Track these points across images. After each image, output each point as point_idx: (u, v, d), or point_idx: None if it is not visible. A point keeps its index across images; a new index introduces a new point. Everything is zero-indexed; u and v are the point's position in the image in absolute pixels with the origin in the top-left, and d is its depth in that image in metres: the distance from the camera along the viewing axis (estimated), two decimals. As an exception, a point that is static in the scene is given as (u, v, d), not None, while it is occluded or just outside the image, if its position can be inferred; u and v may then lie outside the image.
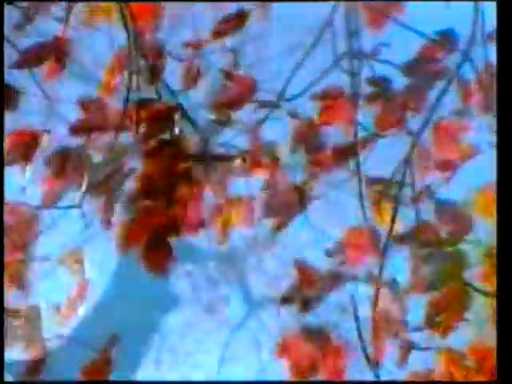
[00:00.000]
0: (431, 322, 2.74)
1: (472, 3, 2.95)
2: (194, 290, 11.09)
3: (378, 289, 2.77)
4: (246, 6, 2.98)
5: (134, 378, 9.89)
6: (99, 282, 9.50)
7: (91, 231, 2.91)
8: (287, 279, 2.94)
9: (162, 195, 2.67)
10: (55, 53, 2.79)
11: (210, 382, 10.87)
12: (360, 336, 2.73)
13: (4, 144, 2.74)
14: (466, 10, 2.95)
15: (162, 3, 2.87)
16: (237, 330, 11.18)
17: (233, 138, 3.07)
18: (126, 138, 2.76)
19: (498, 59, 2.64)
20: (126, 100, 2.76)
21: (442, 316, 2.74)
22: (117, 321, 9.05)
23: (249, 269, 11.15)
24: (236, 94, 2.91)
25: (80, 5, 2.90)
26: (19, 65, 2.78)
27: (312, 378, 2.80)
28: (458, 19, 3.00)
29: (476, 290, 2.75)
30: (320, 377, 2.80)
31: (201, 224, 2.71)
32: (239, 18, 2.96)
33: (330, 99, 2.95)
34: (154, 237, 2.64)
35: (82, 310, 3.02)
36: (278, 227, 2.94)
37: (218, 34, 2.97)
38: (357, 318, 2.74)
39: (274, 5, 3.13)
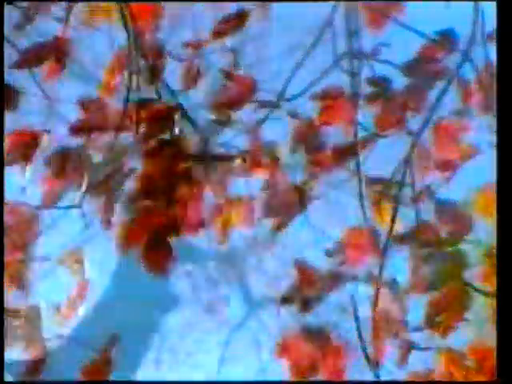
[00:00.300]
0: (431, 322, 2.74)
1: (472, 3, 2.95)
2: (194, 290, 11.08)
3: (378, 289, 2.77)
4: (246, 5, 2.98)
5: (134, 378, 9.88)
6: (99, 282, 9.49)
7: (91, 231, 2.91)
8: (287, 279, 2.94)
9: (162, 195, 2.67)
10: (55, 53, 2.79)
11: (210, 382, 10.86)
12: (360, 336, 2.73)
13: (4, 144, 2.74)
14: (466, 9, 2.95)
15: (162, 3, 2.87)
16: (237, 330, 11.18)
17: (233, 138, 3.07)
18: (126, 138, 2.76)
19: (498, 59, 2.64)
20: (126, 100, 2.76)
21: (442, 316, 2.74)
22: (117, 321, 9.05)
23: (249, 269, 11.15)
24: (236, 94, 2.91)
25: (80, 5, 2.90)
26: (19, 65, 2.78)
27: (312, 378, 2.80)
28: (458, 19, 3.00)
29: (476, 290, 2.75)
30: (320, 377, 2.80)
31: (201, 224, 2.71)
32: (239, 18, 2.96)
33: (330, 99, 2.95)
34: (154, 237, 2.64)
35: (82, 310, 3.03)
36: (278, 227, 2.94)
37: (218, 33, 2.97)
38: (357, 318, 2.74)
39: (274, 5, 3.13)
